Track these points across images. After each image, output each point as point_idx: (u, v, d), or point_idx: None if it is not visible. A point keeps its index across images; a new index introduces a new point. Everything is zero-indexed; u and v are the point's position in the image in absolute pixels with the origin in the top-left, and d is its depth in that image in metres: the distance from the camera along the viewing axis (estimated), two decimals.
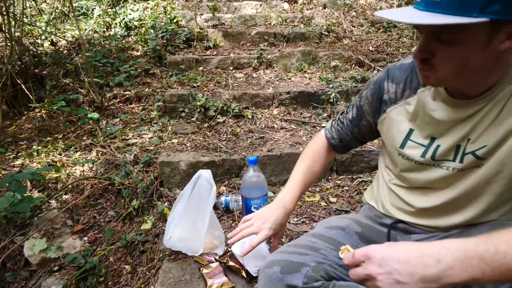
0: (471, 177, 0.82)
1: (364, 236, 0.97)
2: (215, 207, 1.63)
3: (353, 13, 3.83)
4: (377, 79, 0.96)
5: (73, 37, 3.52)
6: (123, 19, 3.57)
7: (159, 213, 1.59)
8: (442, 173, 0.85)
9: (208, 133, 2.11)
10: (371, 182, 1.46)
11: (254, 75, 2.82)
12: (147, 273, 1.37)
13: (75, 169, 1.92)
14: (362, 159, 1.93)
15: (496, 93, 0.75)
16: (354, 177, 1.93)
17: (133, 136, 2.10)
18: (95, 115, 2.15)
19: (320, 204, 1.72)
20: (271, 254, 0.92)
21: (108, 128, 2.15)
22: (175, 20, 3.46)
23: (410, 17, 0.65)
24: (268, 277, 0.85)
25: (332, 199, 1.76)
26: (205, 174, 1.40)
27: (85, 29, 3.65)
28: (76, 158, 1.97)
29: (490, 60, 0.68)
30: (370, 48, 3.15)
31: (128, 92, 2.50)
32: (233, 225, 1.55)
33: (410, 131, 0.88)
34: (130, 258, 1.45)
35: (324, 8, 4.07)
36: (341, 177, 1.93)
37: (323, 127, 1.09)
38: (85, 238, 1.54)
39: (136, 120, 2.26)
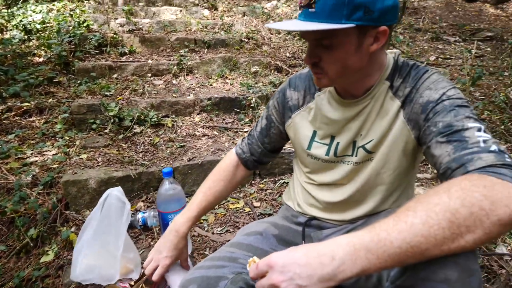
0: (365, 170, 0.90)
1: (281, 238, 1.01)
2: (132, 226, 1.46)
3: (271, 21, 3.92)
4: (281, 88, 1.03)
5: None
6: (21, 21, 3.10)
7: (63, 241, 1.36)
8: (345, 168, 0.92)
9: (123, 145, 1.91)
10: None
11: (174, 82, 2.67)
12: None
13: None
14: (283, 161, 1.93)
15: (375, 91, 0.85)
16: (277, 179, 1.92)
17: (32, 154, 1.79)
18: None
19: (244, 210, 1.67)
20: (189, 272, 0.89)
21: (0, 146, 1.81)
22: (85, 24, 3.12)
23: (292, 26, 0.76)
24: None
25: (256, 204, 1.73)
26: (115, 193, 1.24)
27: None
28: None
29: (365, 60, 0.78)
30: (287, 54, 3.24)
31: (26, 104, 2.15)
32: (152, 243, 1.41)
33: (314, 133, 0.95)
34: None
35: (244, 16, 4.09)
36: (264, 180, 1.90)
37: (246, 132, 1.07)
38: None
39: (36, 136, 1.95)
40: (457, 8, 5.66)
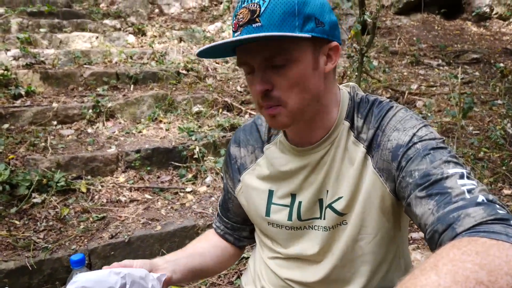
0: (340, 237, 0.90)
1: None
2: None
3: None
4: (227, 149, 1.05)
5: None
6: None
7: None
8: (314, 234, 0.92)
9: (17, 222, 1.82)
10: None
11: (90, 130, 2.66)
12: None
13: None
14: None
15: (335, 134, 0.88)
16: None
17: None
18: None
19: None
20: None
21: None
22: None
23: (234, 39, 0.75)
24: None
25: None
26: None
27: None
28: None
29: (322, 84, 0.83)
30: (238, 88, 3.39)
31: None
32: None
33: (270, 193, 0.96)
34: None
35: (180, 41, 4.27)
36: None
37: (189, 192, 1.09)
38: None
39: None
40: (436, 27, 6.30)
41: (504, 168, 2.53)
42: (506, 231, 0.62)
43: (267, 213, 0.96)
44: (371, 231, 0.89)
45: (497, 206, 0.67)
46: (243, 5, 0.79)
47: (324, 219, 0.91)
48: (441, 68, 4.73)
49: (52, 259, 1.61)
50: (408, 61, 4.82)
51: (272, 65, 0.78)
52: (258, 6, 0.77)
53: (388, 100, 0.89)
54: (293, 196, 0.94)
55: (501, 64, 4.51)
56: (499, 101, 3.66)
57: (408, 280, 0.59)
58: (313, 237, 0.93)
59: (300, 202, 0.92)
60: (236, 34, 0.79)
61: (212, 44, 0.77)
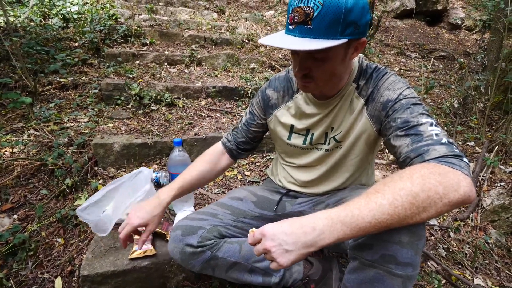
0: (335, 155, 0.90)
1: (258, 204, 1.00)
2: None
3: (268, 27, 3.86)
4: (263, 88, 0.98)
5: (5, 23, 2.83)
6: (60, 10, 2.99)
7: (93, 190, 1.40)
8: (318, 153, 0.91)
9: (142, 119, 1.92)
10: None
11: (186, 71, 2.65)
12: (80, 244, 1.20)
13: (5, 151, 1.57)
14: (270, 141, 1.98)
15: (344, 92, 0.83)
16: (264, 155, 1.97)
17: (68, 120, 1.79)
18: (28, 99, 1.77)
19: (237, 177, 1.72)
20: (179, 221, 0.91)
21: (42, 112, 1.80)
22: (113, 17, 3.03)
23: (292, 44, 0.65)
24: (173, 238, 0.86)
25: (247, 173, 1.78)
26: (146, 173, 1.22)
27: (18, 17, 2.96)
28: (5, 140, 1.61)
29: (344, 67, 0.76)
30: (280, 56, 3.22)
31: (64, 80, 2.12)
32: None
33: (292, 127, 0.93)
34: (63, 232, 1.26)
35: (246, 21, 4.01)
36: (255, 155, 1.95)
37: (242, 115, 1.05)
38: (15, 216, 1.28)
39: (71, 106, 1.94)
40: (420, 30, 5.63)
41: (445, 128, 2.39)
42: (459, 163, 0.59)
43: (289, 138, 0.94)
44: (356, 153, 0.88)
45: (454, 146, 0.63)
46: (300, 4, 0.65)
47: (328, 144, 0.89)
48: (417, 59, 4.29)
49: (161, 142, 1.67)
50: (395, 52, 4.37)
51: (313, 56, 0.70)
52: (311, 10, 0.63)
53: (384, 67, 0.83)
54: (307, 130, 0.91)
55: (461, 60, 4.04)
56: (453, 86, 3.34)
57: (390, 181, 0.57)
58: (316, 154, 0.92)
59: (313, 134, 0.90)
60: (290, 27, 0.68)
61: (273, 44, 0.66)
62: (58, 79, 2.12)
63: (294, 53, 0.73)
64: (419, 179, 0.55)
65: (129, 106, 2.01)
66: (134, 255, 1.03)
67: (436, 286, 1.21)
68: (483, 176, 1.82)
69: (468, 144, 2.18)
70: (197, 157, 1.00)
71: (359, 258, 0.66)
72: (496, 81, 2.32)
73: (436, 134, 0.65)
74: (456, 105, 2.72)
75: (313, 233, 0.56)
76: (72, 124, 1.76)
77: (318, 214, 0.58)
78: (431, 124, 0.67)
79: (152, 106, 2.03)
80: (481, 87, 2.58)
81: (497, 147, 1.99)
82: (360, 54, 0.83)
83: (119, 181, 1.20)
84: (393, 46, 4.57)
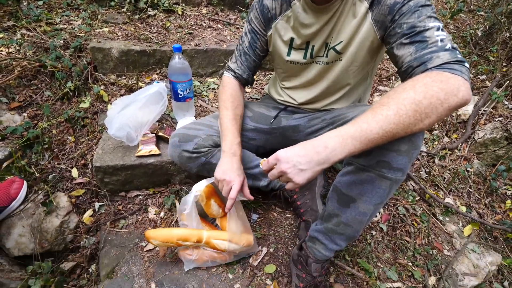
0: (335, 69, 0.89)
1: (253, 119, 1.05)
2: None
3: None
4: (259, 1, 0.90)
5: None
6: None
7: (95, 94, 1.45)
8: (318, 67, 0.90)
9: (139, 25, 1.83)
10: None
11: None
12: (89, 142, 1.33)
13: (0, 51, 1.56)
14: None
15: None
16: (266, 73, 1.96)
17: (60, 21, 1.71)
18: None
19: None
20: (177, 129, 0.99)
21: (31, 10, 1.71)
22: None
23: None
24: (171, 144, 0.96)
25: (248, 90, 1.80)
26: (160, 90, 1.25)
27: None
28: None
29: None
30: None
31: None
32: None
33: (292, 40, 0.89)
34: (73, 131, 1.37)
35: None
36: (257, 73, 1.94)
37: (241, 40, 0.99)
38: (24, 114, 1.37)
39: (61, 5, 1.82)
40: None
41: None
42: (461, 69, 0.60)
43: (288, 55, 0.91)
44: (358, 64, 0.86)
45: (458, 52, 0.63)
46: None
47: (326, 56, 0.87)
48: None
49: (161, 50, 1.64)
50: None
51: None
52: None
53: None
54: (307, 43, 0.87)
55: None
56: (483, 12, 3.02)
57: (393, 94, 0.60)
58: (315, 68, 0.90)
59: (313, 46, 0.87)
60: None
61: None
62: None
63: None
64: (422, 88, 0.58)
65: (124, 9, 1.88)
66: (140, 153, 1.16)
67: (410, 200, 1.39)
68: (483, 110, 1.84)
69: (479, 78, 2.14)
70: (226, 101, 0.95)
71: (355, 163, 0.70)
72: None
73: (442, 40, 0.64)
74: (480, 34, 2.54)
75: (325, 151, 0.58)
76: (65, 26, 1.69)
77: (328, 133, 0.61)
78: (438, 29, 0.65)
79: (149, 11, 1.90)
80: None
81: (508, 81, 1.96)
82: None
83: (135, 97, 1.22)
84: None
